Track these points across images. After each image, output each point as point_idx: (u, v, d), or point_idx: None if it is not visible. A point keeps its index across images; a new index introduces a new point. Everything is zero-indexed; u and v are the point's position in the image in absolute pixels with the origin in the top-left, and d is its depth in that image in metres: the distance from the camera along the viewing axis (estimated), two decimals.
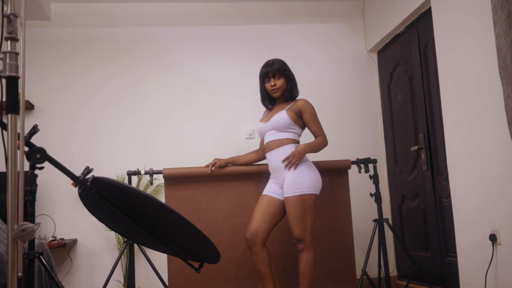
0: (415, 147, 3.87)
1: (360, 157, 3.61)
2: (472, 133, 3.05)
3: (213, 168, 3.23)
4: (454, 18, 3.20)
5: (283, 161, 2.92)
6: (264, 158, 3.21)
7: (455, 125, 3.22)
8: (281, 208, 2.97)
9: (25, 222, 1.24)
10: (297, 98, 3.11)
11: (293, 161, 2.89)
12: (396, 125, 4.28)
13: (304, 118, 3.01)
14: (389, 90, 4.42)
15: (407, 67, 4.06)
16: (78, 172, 2.00)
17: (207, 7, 4.50)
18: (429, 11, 3.60)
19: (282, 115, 2.98)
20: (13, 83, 1.31)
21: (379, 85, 4.60)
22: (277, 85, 3.04)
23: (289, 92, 3.07)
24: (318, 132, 3.02)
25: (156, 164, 4.15)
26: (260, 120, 3.17)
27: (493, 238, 2.85)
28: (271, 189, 3.03)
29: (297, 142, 3.03)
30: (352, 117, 4.51)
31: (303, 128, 3.08)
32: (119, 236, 3.99)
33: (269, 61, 3.10)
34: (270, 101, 3.17)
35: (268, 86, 3.07)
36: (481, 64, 2.94)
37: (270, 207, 2.97)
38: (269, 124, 3.04)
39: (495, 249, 2.85)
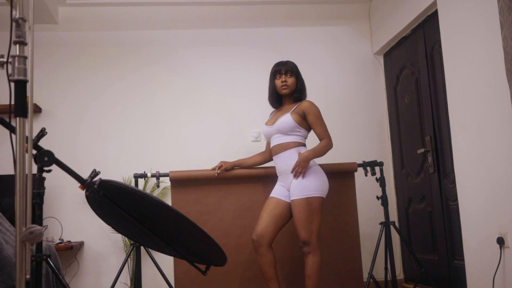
0: (422, 150, 3.86)
1: (367, 160, 3.60)
2: (479, 136, 3.04)
3: (219, 171, 3.23)
4: (461, 21, 3.19)
5: (291, 172, 2.93)
6: (270, 160, 3.21)
7: (462, 128, 3.21)
8: (288, 211, 2.97)
9: (33, 225, 1.25)
10: (303, 100, 3.11)
11: (299, 171, 2.89)
12: (403, 128, 4.27)
13: (309, 120, 3.01)
14: (395, 93, 4.41)
15: (414, 69, 4.05)
16: (85, 175, 2.01)
17: (213, 10, 4.52)
18: (435, 13, 3.59)
19: (286, 119, 2.98)
20: (21, 86, 1.32)
21: (385, 87, 4.59)
22: (288, 82, 3.05)
23: (298, 93, 3.08)
24: (323, 135, 3.02)
25: (163, 167, 4.16)
26: (266, 123, 3.18)
27: (500, 241, 2.84)
28: (278, 192, 3.04)
29: (303, 144, 3.03)
30: (358, 120, 4.50)
31: (309, 130, 3.08)
32: (126, 239, 4.01)
33: (282, 60, 3.15)
34: (277, 100, 3.17)
35: (278, 82, 3.08)
36: (488, 67, 2.93)
37: (277, 209, 2.97)
38: (274, 127, 3.04)
39: (503, 252, 2.83)
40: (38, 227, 1.24)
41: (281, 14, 4.60)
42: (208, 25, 4.50)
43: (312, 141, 3.12)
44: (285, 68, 3.06)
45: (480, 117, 3.02)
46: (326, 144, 3.00)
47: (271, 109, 3.29)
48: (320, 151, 2.97)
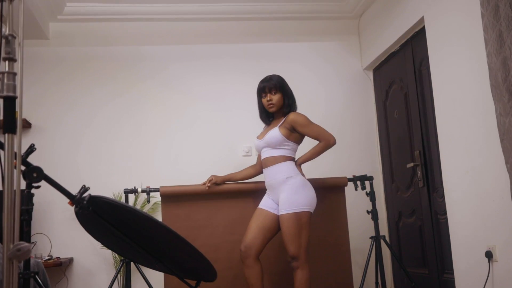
0: (411, 164, 3.88)
1: (357, 174, 3.62)
2: (467, 150, 3.07)
3: (209, 185, 3.23)
4: (448, 37, 3.25)
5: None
6: (261, 172, 3.21)
7: (450, 142, 3.24)
8: (276, 223, 2.96)
9: (21, 242, 1.24)
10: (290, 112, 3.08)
11: None
12: (392, 142, 4.30)
13: (299, 131, 3.00)
14: (385, 108, 4.45)
15: (402, 84, 4.09)
16: (74, 190, 2.01)
17: (204, 26, 4.55)
18: (423, 30, 3.64)
19: (274, 133, 2.99)
20: (10, 103, 1.32)
21: (375, 102, 4.63)
22: (273, 100, 3.05)
23: (287, 107, 3.08)
24: (318, 138, 3.01)
25: (153, 182, 4.14)
26: (257, 137, 3.19)
27: (489, 255, 2.85)
28: (266, 203, 3.03)
29: (292, 158, 3.03)
30: (348, 135, 4.53)
31: (298, 143, 3.08)
32: (116, 255, 3.97)
33: (266, 76, 3.12)
34: (268, 116, 3.18)
35: (264, 101, 3.09)
36: (475, 82, 2.97)
37: (266, 221, 2.97)
38: (264, 141, 3.05)
39: (491, 266, 2.85)
40: (26, 244, 1.24)
41: (271, 30, 4.64)
42: (199, 40, 4.53)
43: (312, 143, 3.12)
44: (268, 86, 3.05)
45: (468, 131, 3.05)
46: (322, 146, 3.00)
47: (261, 124, 3.30)
48: (313, 155, 3.01)
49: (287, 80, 3.16)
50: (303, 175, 3.00)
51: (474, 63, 2.96)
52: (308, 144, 3.11)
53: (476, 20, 2.87)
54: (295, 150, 3.06)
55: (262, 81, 3.10)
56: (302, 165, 3.06)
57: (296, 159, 3.05)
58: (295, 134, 3.02)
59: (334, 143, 3.01)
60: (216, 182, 3.25)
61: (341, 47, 4.70)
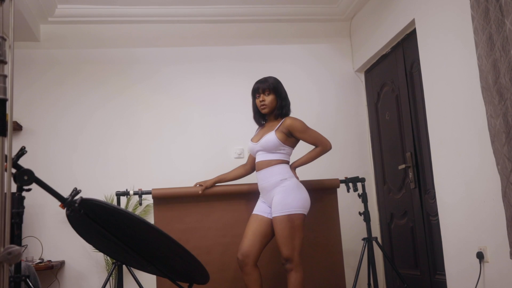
0: (403, 166, 3.90)
1: (349, 176, 3.63)
2: (458, 152, 3.09)
3: (200, 188, 3.23)
4: (439, 39, 3.27)
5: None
6: (252, 171, 3.21)
7: (441, 144, 3.26)
8: (271, 228, 2.96)
9: (12, 245, 1.23)
10: (286, 117, 3.10)
11: None
12: (384, 144, 4.32)
13: (297, 137, 3.01)
14: (376, 110, 4.47)
15: (394, 86, 4.11)
16: (67, 193, 1.99)
17: (196, 28, 4.55)
18: (414, 32, 3.67)
19: (271, 137, 2.98)
20: (1, 105, 1.31)
21: (366, 104, 4.65)
22: (266, 101, 3.04)
23: (279, 109, 3.07)
24: (315, 143, 3.03)
25: (145, 185, 4.13)
26: (251, 139, 3.17)
27: (480, 256, 2.87)
28: (261, 208, 3.03)
29: (287, 162, 3.03)
30: (340, 137, 4.54)
31: (293, 147, 3.08)
32: (108, 258, 3.95)
33: (262, 78, 3.12)
34: (261, 117, 3.18)
35: (257, 101, 3.08)
36: (466, 84, 2.99)
37: (262, 226, 2.96)
38: (259, 145, 3.04)
39: (483, 266, 2.87)
40: (17, 247, 1.23)
41: (263, 32, 4.65)
42: (192, 42, 4.53)
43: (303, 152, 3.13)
44: (262, 87, 3.05)
45: (458, 134, 3.07)
46: (318, 151, 3.02)
47: (254, 126, 3.30)
48: (309, 159, 3.03)
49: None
50: (297, 178, 3.00)
51: (465, 65, 2.98)
52: (302, 148, 3.12)
53: (467, 23, 2.89)
54: (289, 154, 3.06)
55: (257, 82, 3.11)
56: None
57: (290, 163, 3.06)
58: (292, 139, 3.02)
59: (330, 148, 3.05)
60: (206, 186, 3.25)
61: (333, 49, 4.72)
